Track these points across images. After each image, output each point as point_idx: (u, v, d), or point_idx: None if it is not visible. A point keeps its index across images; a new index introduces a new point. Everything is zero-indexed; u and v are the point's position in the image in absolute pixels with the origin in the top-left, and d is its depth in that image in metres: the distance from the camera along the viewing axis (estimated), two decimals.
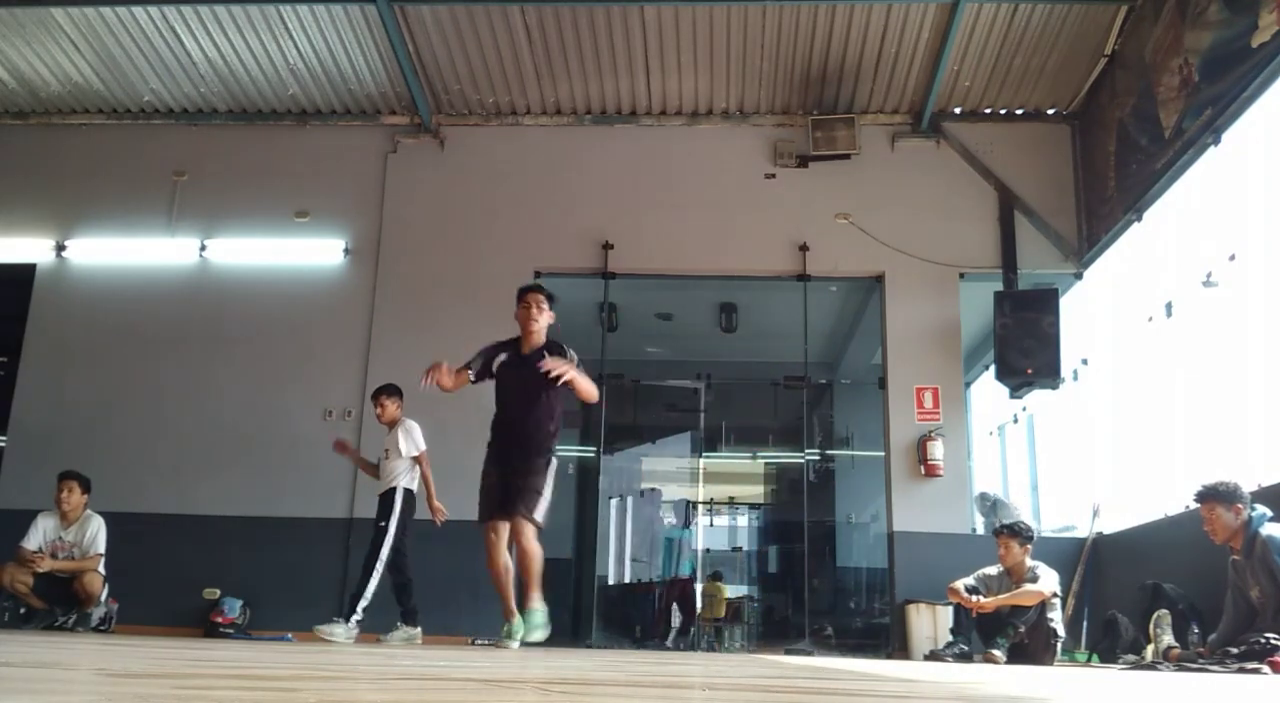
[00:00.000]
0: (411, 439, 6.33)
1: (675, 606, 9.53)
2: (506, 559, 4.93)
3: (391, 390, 6.44)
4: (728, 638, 9.25)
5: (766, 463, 12.63)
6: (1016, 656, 5.75)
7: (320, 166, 8.50)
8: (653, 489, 11.25)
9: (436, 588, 7.46)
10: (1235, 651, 4.48)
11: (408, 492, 6.28)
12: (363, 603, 5.98)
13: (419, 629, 6.14)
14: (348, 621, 5.97)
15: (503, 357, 5.04)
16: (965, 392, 8.49)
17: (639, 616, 10.37)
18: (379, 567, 6.06)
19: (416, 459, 6.32)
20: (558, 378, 4.69)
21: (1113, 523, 7.19)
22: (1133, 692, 2.29)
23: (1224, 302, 5.96)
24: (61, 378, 8.17)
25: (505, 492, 4.85)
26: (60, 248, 8.39)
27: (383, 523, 6.15)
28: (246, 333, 8.03)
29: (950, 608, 6.16)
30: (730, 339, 9.87)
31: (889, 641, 7.66)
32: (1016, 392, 7.69)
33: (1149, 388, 6.99)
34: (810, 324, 8.16)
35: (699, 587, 10.26)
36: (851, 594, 11.05)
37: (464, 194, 8.31)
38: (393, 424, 6.41)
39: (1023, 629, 5.73)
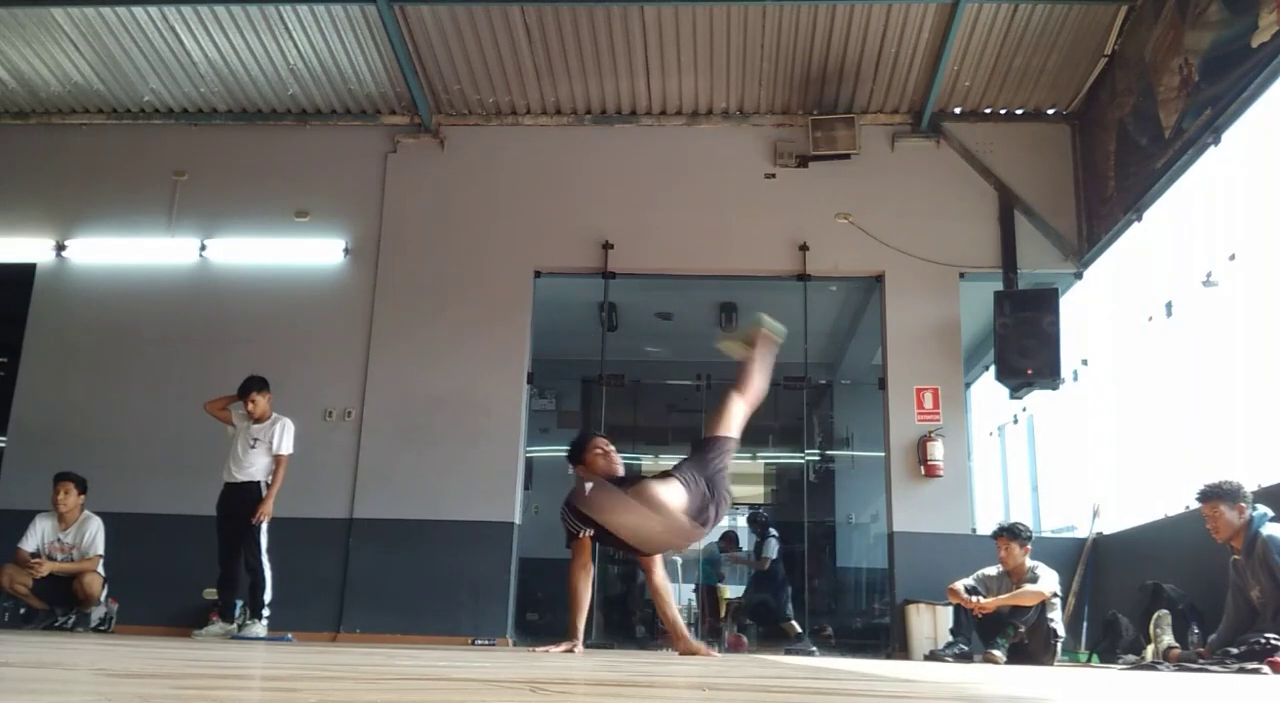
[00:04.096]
0: (287, 438, 6.47)
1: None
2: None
3: (264, 385, 6.52)
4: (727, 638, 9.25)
5: (766, 463, 12.62)
6: (1016, 656, 5.76)
7: (320, 167, 8.50)
8: None
9: (437, 588, 7.48)
10: (1235, 651, 4.48)
11: (269, 486, 6.43)
12: (267, 597, 6.27)
13: (265, 622, 6.33)
14: (259, 618, 6.24)
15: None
16: (965, 392, 8.49)
17: (639, 616, 10.37)
18: (266, 560, 6.29)
19: (279, 458, 6.42)
20: None
21: (1113, 523, 7.19)
22: (1133, 692, 2.29)
23: (1224, 302, 5.96)
24: (61, 378, 8.17)
25: None
26: (60, 248, 8.39)
27: (254, 519, 6.30)
28: (246, 333, 8.03)
29: (950, 608, 6.17)
30: None
31: (889, 641, 7.67)
32: (1016, 392, 7.69)
33: (1149, 388, 6.99)
34: (810, 324, 8.15)
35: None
36: (851, 594, 11.05)
37: (464, 194, 8.32)
38: (263, 417, 6.48)
39: (1023, 629, 5.74)
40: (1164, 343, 6.68)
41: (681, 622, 4.74)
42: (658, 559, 4.58)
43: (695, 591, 10.18)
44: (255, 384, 6.48)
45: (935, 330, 7.80)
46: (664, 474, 4.24)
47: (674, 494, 4.02)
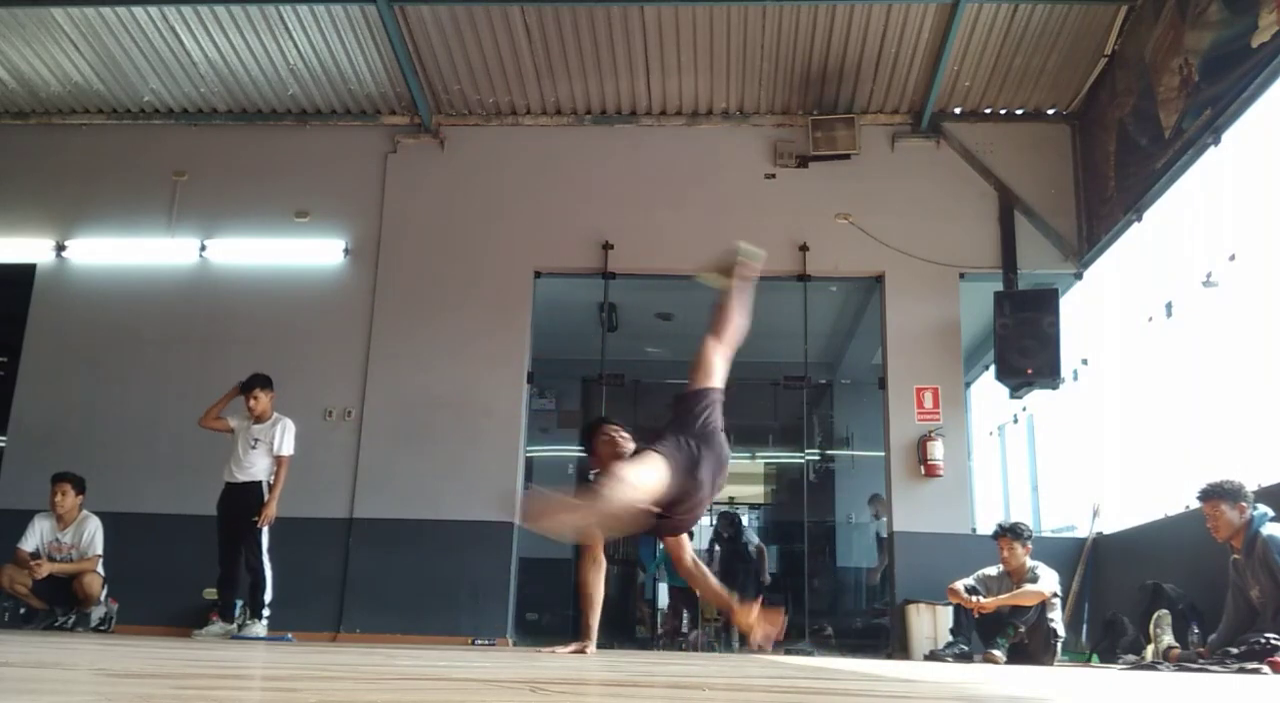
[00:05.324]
0: (288, 439, 6.45)
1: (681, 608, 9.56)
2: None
3: (268, 383, 6.52)
4: (727, 638, 9.26)
5: (766, 463, 12.62)
6: (1016, 656, 5.76)
7: (320, 167, 8.49)
8: None
9: (437, 588, 7.48)
10: (1235, 651, 4.48)
11: (271, 489, 6.42)
12: (268, 597, 6.26)
13: (265, 622, 6.32)
14: (259, 618, 6.23)
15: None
16: (965, 392, 8.48)
17: (640, 616, 10.37)
18: (266, 561, 6.28)
19: (280, 459, 6.41)
20: None
21: (1113, 523, 7.19)
22: (1133, 692, 2.29)
23: (1224, 302, 5.96)
24: (61, 378, 8.17)
25: None
26: (60, 248, 8.39)
27: (255, 518, 6.27)
28: (246, 333, 8.03)
29: (950, 608, 6.17)
30: None
31: (889, 641, 7.66)
32: (1016, 392, 7.69)
33: (1149, 388, 6.99)
34: (810, 324, 8.15)
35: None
36: (851, 594, 11.04)
37: (464, 194, 8.31)
38: (264, 417, 6.47)
39: (1023, 629, 5.74)
40: (1164, 343, 6.68)
41: (724, 592, 4.36)
42: (683, 542, 4.23)
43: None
44: (259, 381, 6.49)
45: (935, 330, 7.80)
46: (641, 450, 3.81)
47: (649, 473, 3.50)
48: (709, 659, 4.77)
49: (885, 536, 8.62)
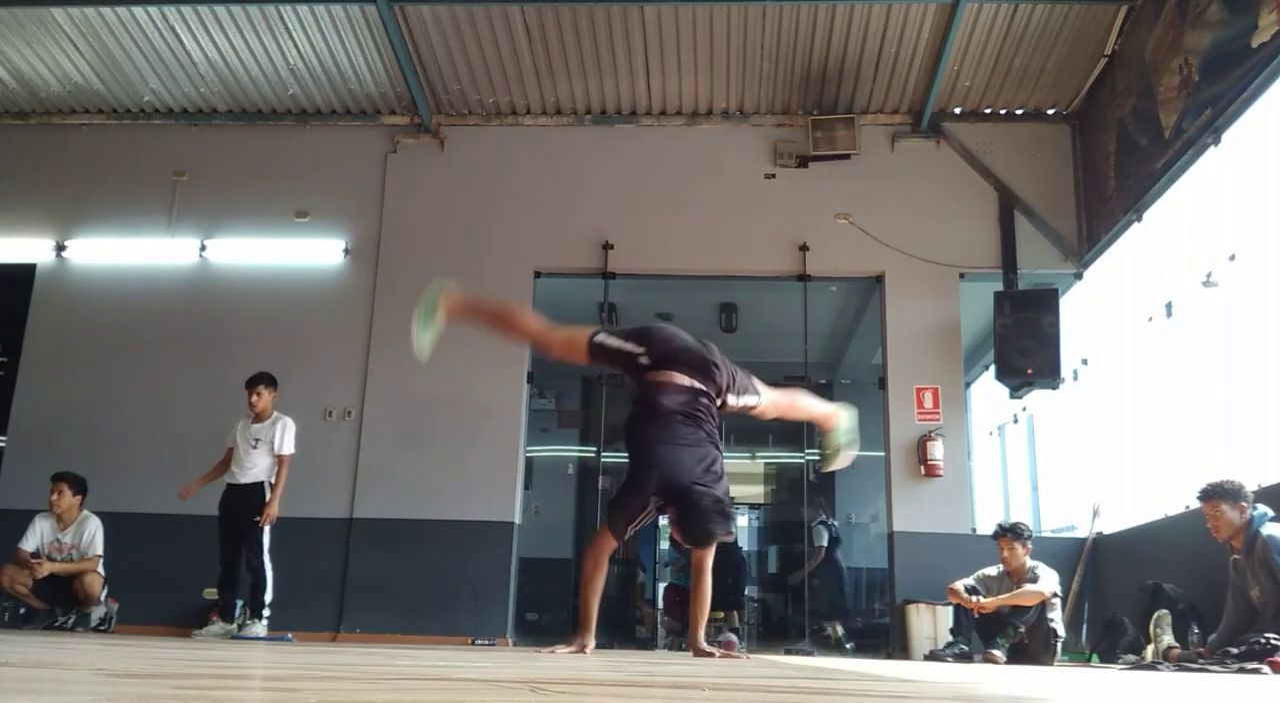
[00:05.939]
0: (289, 438, 6.45)
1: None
2: None
3: (273, 382, 6.53)
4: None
5: (766, 463, 12.61)
6: (1016, 656, 5.76)
7: (320, 167, 8.50)
8: None
9: (437, 588, 7.49)
10: (1235, 651, 4.48)
11: (272, 488, 6.41)
12: (268, 597, 6.26)
13: (265, 622, 6.32)
14: (259, 618, 6.24)
15: None
16: (965, 392, 8.48)
17: (640, 616, 10.36)
18: (267, 561, 6.28)
19: (281, 458, 6.40)
20: None
21: (1113, 523, 7.19)
22: (1133, 692, 2.29)
23: (1224, 302, 5.96)
24: (61, 378, 8.17)
25: None
26: (60, 248, 8.39)
27: (257, 518, 6.26)
28: (246, 333, 8.03)
29: (950, 608, 6.17)
30: (730, 339, 9.85)
31: (889, 641, 7.67)
32: (1016, 392, 7.69)
33: (1149, 388, 6.99)
34: (810, 324, 8.15)
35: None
36: (851, 594, 11.04)
37: (464, 194, 8.32)
38: (264, 415, 6.47)
39: (1023, 629, 5.74)
40: (1164, 343, 6.68)
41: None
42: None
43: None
44: (264, 379, 6.50)
45: (935, 330, 7.80)
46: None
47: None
48: (708, 660, 4.77)
49: (821, 545, 8.71)
